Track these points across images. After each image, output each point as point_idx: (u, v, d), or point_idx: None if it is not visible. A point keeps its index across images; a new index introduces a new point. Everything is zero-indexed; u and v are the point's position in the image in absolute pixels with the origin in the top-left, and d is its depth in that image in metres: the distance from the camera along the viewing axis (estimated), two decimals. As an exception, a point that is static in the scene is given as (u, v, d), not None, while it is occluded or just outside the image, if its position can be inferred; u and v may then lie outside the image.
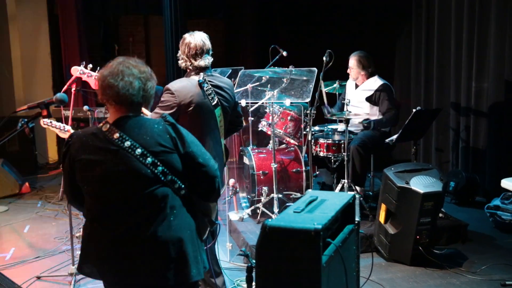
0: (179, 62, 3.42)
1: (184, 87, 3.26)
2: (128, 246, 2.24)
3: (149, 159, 2.24)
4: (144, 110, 2.43)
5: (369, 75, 5.42)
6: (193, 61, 3.34)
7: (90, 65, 3.51)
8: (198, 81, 3.29)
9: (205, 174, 2.38)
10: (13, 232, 5.38)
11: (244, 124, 4.05)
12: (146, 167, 2.23)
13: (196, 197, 2.42)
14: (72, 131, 3.52)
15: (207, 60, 3.38)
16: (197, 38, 3.37)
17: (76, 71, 3.45)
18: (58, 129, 3.54)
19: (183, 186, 2.33)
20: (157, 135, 2.28)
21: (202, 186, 2.41)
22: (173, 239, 2.28)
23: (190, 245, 2.33)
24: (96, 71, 3.42)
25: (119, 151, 2.23)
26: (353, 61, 5.42)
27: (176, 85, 3.27)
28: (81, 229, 4.69)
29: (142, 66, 2.35)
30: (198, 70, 3.36)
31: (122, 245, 2.24)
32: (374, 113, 5.34)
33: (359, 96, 5.39)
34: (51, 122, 3.52)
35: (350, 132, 5.23)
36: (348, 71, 5.48)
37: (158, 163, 2.25)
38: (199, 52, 3.34)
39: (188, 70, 3.41)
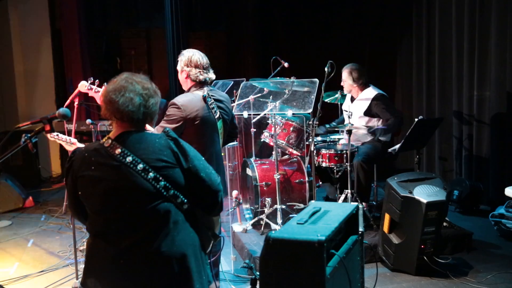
0: (181, 75, 3.48)
1: (190, 101, 3.34)
2: (132, 261, 2.24)
3: (151, 174, 2.24)
4: (148, 126, 2.44)
5: (362, 87, 5.42)
6: (199, 75, 3.43)
7: (97, 81, 3.54)
8: (203, 95, 3.37)
9: (208, 188, 2.38)
10: (17, 246, 5.38)
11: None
12: (148, 182, 2.23)
13: (199, 211, 2.42)
14: (77, 143, 3.59)
15: (211, 75, 3.48)
16: (199, 54, 3.48)
17: (84, 86, 3.49)
18: (64, 141, 3.62)
19: (185, 200, 2.33)
20: (159, 150, 2.28)
21: (205, 200, 2.41)
22: (176, 255, 2.27)
23: (194, 260, 2.33)
24: (103, 87, 3.46)
25: (121, 167, 2.23)
26: (344, 74, 5.44)
27: (181, 99, 3.34)
28: (85, 243, 4.72)
29: (147, 82, 2.36)
30: (202, 84, 3.45)
31: (125, 261, 2.24)
32: (373, 125, 5.33)
33: (356, 109, 5.37)
34: (57, 135, 3.60)
35: (352, 143, 5.23)
36: (342, 83, 5.50)
37: (160, 178, 2.25)
38: (206, 67, 3.47)
39: (190, 85, 3.47)
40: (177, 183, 2.30)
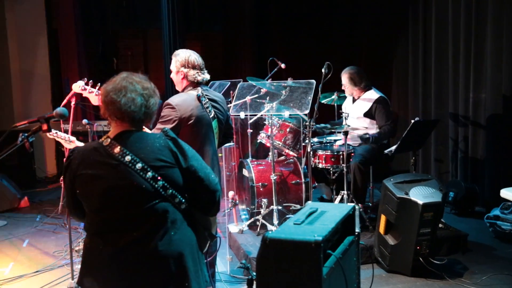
0: (177, 76, 3.46)
1: (184, 101, 3.33)
2: (129, 260, 2.24)
3: (149, 174, 2.24)
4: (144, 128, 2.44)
5: (364, 89, 5.44)
6: (197, 76, 3.42)
7: (91, 81, 3.54)
8: (197, 95, 3.36)
9: (205, 188, 2.38)
10: (12, 246, 5.36)
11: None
12: (146, 182, 2.23)
13: (196, 211, 2.42)
14: (76, 141, 3.60)
15: (206, 75, 3.48)
16: (195, 55, 3.48)
17: (77, 87, 3.49)
18: (63, 139, 3.67)
19: (183, 200, 2.33)
20: (158, 149, 2.29)
21: (202, 200, 2.41)
22: (173, 254, 2.27)
23: (191, 260, 2.33)
24: (97, 88, 3.47)
25: (119, 166, 2.23)
26: (344, 79, 5.46)
27: (176, 99, 3.34)
28: (81, 243, 4.71)
29: (146, 82, 2.36)
30: (196, 84, 3.44)
31: (123, 260, 2.24)
32: (372, 128, 5.34)
33: (357, 111, 5.39)
34: (56, 133, 3.64)
35: (349, 144, 5.24)
36: (343, 87, 5.52)
37: (159, 178, 2.25)
38: (202, 68, 3.47)
39: (185, 85, 3.46)
40: (176, 183, 2.30)
